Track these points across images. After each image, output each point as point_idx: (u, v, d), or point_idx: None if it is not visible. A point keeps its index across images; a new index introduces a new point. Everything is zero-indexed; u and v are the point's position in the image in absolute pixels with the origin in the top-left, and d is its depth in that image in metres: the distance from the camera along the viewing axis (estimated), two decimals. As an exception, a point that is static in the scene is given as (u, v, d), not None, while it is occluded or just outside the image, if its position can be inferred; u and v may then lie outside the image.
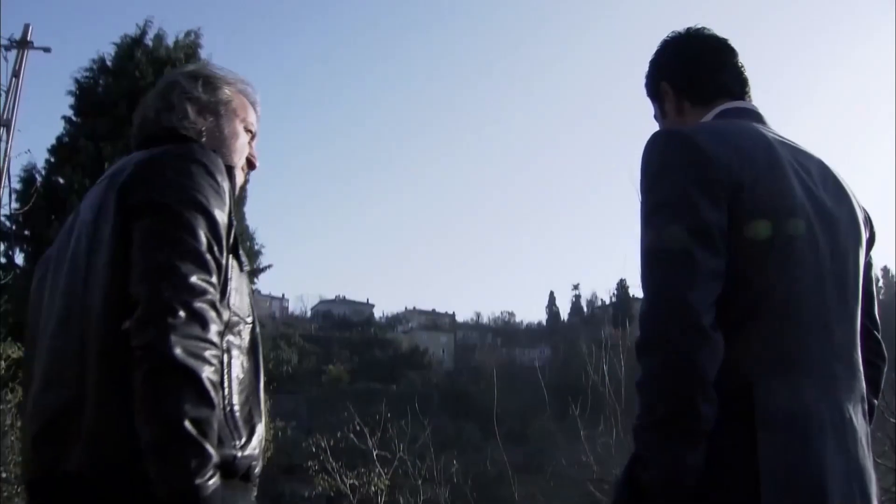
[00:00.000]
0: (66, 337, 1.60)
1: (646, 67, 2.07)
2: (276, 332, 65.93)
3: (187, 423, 1.38)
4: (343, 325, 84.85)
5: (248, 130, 1.97)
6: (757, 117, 1.88)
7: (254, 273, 16.04)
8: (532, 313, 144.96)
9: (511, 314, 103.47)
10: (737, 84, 1.94)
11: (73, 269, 1.65)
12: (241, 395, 1.62)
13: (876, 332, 1.86)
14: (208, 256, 1.53)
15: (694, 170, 1.61)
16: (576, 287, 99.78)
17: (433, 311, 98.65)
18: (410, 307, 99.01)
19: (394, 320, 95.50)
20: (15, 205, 12.89)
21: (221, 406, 1.51)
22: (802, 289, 1.64)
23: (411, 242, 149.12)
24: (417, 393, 59.76)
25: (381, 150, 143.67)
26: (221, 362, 1.53)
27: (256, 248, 15.78)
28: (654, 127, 2.04)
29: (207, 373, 1.43)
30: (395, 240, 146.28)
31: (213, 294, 1.51)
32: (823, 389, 1.62)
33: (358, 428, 16.34)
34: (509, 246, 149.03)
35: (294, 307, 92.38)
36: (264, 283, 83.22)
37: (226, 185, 1.65)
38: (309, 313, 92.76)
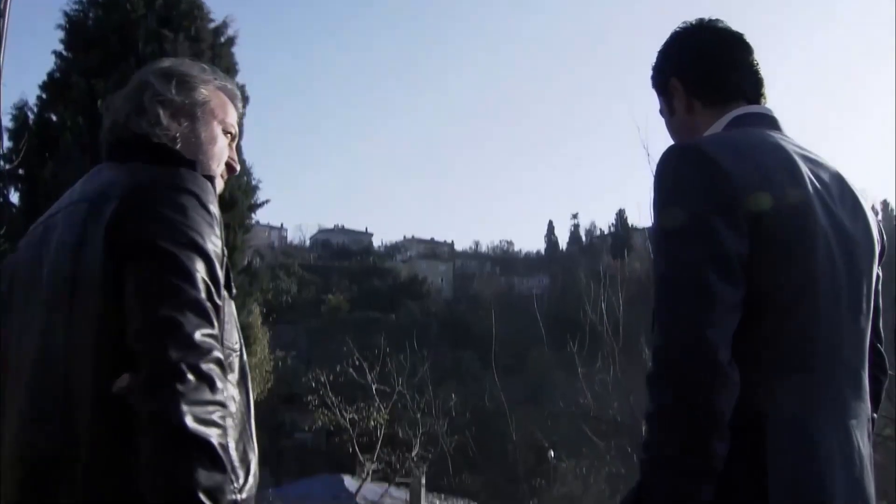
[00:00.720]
0: (49, 376, 1.52)
1: (653, 58, 1.95)
2: (276, 262, 66.08)
3: (201, 495, 1.34)
4: (342, 254, 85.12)
5: (226, 132, 1.82)
6: (773, 123, 1.77)
7: (251, 209, 15.96)
8: (531, 242, 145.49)
9: (510, 243, 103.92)
10: (752, 85, 1.82)
11: (52, 303, 1.54)
12: (235, 431, 1.57)
13: (880, 346, 1.81)
14: (208, 305, 1.45)
15: (713, 192, 1.52)
16: (574, 216, 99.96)
17: (432, 239, 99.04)
18: (409, 236, 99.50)
19: (392, 249, 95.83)
20: (7, 143, 12.72)
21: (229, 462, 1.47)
22: (820, 315, 1.58)
23: (410, 171, 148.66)
24: (416, 322, 60.33)
25: (380, 79, 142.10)
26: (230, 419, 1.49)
27: (254, 183, 15.65)
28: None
29: (219, 438, 1.38)
30: (394, 169, 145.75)
31: (218, 349, 1.45)
32: (834, 415, 1.59)
33: (357, 363, 16.50)
34: (508, 175, 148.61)
35: (293, 237, 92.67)
36: (262, 214, 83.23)
37: (217, 211, 1.55)
38: (308, 243, 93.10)
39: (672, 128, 1.92)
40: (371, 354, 16.84)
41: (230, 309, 1.63)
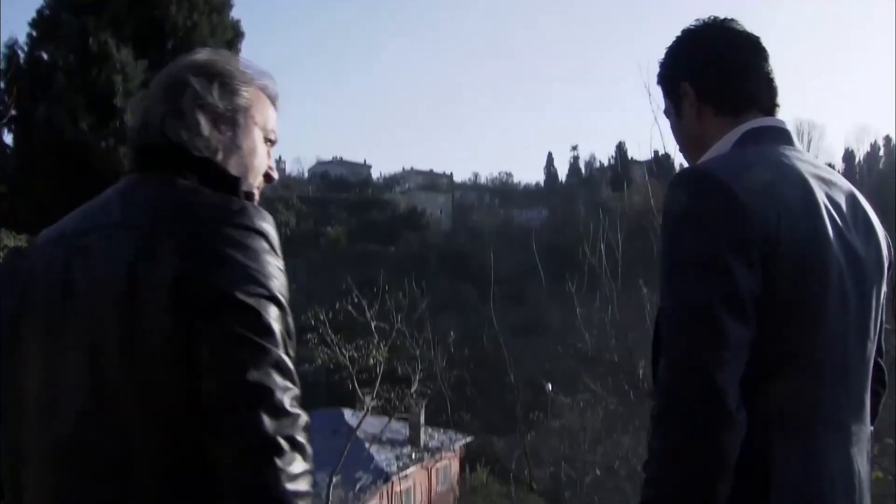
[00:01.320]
0: (101, 432, 1.38)
1: (662, 56, 1.85)
2: (274, 194, 65.94)
3: None
4: (340, 186, 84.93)
5: (267, 140, 1.65)
6: (787, 138, 1.69)
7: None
8: (530, 174, 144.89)
9: (509, 174, 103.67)
10: (767, 94, 1.73)
11: (98, 351, 1.37)
12: None
13: (881, 360, 1.78)
14: (288, 361, 1.34)
15: (730, 226, 1.46)
16: (574, 148, 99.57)
17: (431, 171, 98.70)
18: (408, 168, 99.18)
19: (391, 181, 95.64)
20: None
21: None
22: (828, 346, 1.55)
23: (409, 103, 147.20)
24: (415, 255, 60.63)
25: (379, 9, 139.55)
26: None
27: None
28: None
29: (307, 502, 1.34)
30: (393, 100, 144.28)
31: (304, 412, 1.36)
32: (836, 445, 1.57)
33: (356, 300, 16.55)
34: (508, 106, 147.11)
35: (291, 168, 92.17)
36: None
37: (278, 246, 1.41)
38: (306, 175, 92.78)
39: (679, 133, 1.83)
40: (370, 291, 16.84)
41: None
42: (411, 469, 24.54)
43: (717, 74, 1.74)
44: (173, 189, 1.44)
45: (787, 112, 2.04)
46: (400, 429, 24.47)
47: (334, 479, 17.48)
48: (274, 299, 1.33)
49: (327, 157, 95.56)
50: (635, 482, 13.79)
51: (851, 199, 1.67)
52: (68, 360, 1.40)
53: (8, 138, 13.65)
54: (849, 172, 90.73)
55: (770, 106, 1.74)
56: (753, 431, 1.44)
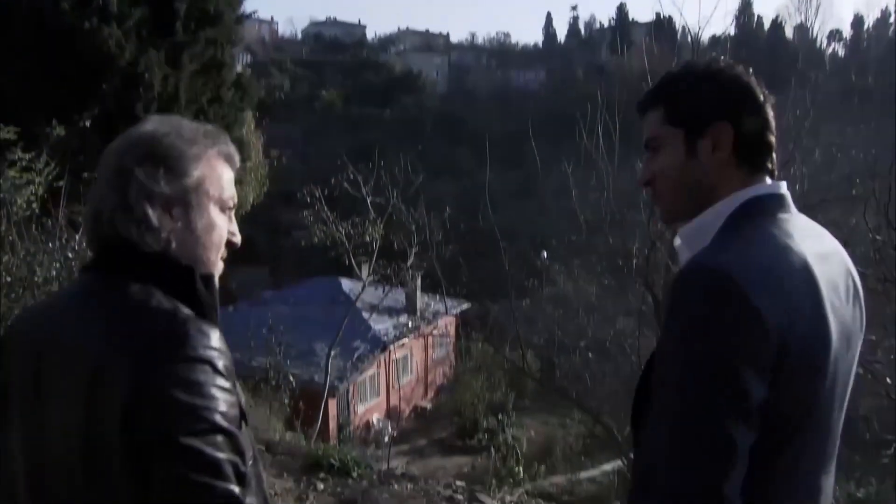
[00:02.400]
0: None
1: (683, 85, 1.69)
2: (267, 57, 64.69)
3: None
4: (335, 47, 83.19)
5: (224, 209, 1.61)
6: (786, 205, 1.62)
7: (238, 21, 15.31)
8: (528, 35, 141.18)
9: (506, 35, 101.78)
10: (771, 153, 1.66)
11: (59, 469, 1.43)
12: None
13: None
14: (235, 489, 1.37)
15: (744, 338, 1.39)
16: (574, 8, 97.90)
17: (427, 31, 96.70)
18: (403, 27, 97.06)
19: (386, 42, 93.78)
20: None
21: None
22: (819, 430, 1.55)
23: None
24: (411, 118, 60.11)
25: None
26: None
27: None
28: None
29: None
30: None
31: None
32: None
33: (352, 177, 16.47)
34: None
35: (284, 30, 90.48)
36: (251, 5, 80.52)
37: (228, 358, 1.43)
38: (300, 36, 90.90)
39: (678, 173, 1.67)
40: (365, 156, 16.77)
41: (246, 431, 1.53)
42: (408, 338, 25.10)
43: (758, 123, 1.63)
44: (124, 303, 1.45)
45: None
46: (398, 297, 24.86)
47: (333, 352, 17.90)
48: (219, 430, 1.35)
49: (321, 16, 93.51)
50: (627, 358, 14.18)
51: (843, 266, 1.63)
52: (45, 447, 1.45)
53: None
54: (856, 39, 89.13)
55: (773, 168, 1.67)
56: None
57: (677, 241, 1.72)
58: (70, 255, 7.13)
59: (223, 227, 1.61)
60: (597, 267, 16.63)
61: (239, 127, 16.60)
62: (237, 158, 1.66)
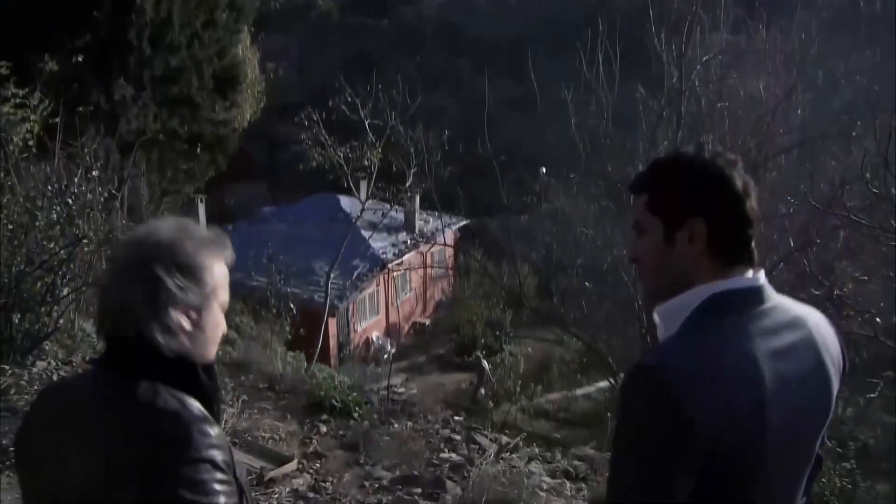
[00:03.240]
0: None
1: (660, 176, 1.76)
2: (261, -37, 62.89)
3: None
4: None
5: (224, 307, 1.77)
6: (762, 298, 1.68)
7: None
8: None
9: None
10: (749, 245, 1.72)
11: None
12: None
13: (820, 454, 1.85)
14: None
15: (676, 442, 1.51)
16: None
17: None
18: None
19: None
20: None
21: None
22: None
23: None
24: (409, 27, 58.85)
25: None
26: None
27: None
28: None
29: None
30: None
31: None
32: None
33: (349, 99, 16.23)
34: None
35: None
36: None
37: (226, 451, 1.59)
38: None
39: (657, 258, 1.76)
40: (364, 90, 16.49)
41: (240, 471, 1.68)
42: (407, 255, 25.21)
43: (733, 221, 1.69)
44: (133, 403, 1.57)
45: None
46: (396, 216, 24.89)
47: (332, 275, 18.01)
48: None
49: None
50: (623, 283, 14.29)
51: (811, 355, 1.70)
52: None
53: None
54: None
55: (753, 259, 1.73)
56: None
57: (656, 318, 1.78)
58: (70, 200, 7.14)
59: (223, 322, 1.76)
60: (594, 189, 16.59)
61: (234, 48, 16.40)
62: (230, 249, 1.78)
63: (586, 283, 16.42)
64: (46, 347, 7.61)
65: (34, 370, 7.12)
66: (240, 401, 6.59)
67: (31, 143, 9.06)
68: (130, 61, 13.19)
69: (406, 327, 26.59)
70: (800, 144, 12.25)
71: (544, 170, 23.23)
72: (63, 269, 7.40)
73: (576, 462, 7.04)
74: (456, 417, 7.93)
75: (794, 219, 10.46)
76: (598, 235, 16.93)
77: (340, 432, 6.68)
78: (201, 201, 23.59)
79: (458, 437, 7.00)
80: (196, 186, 19.37)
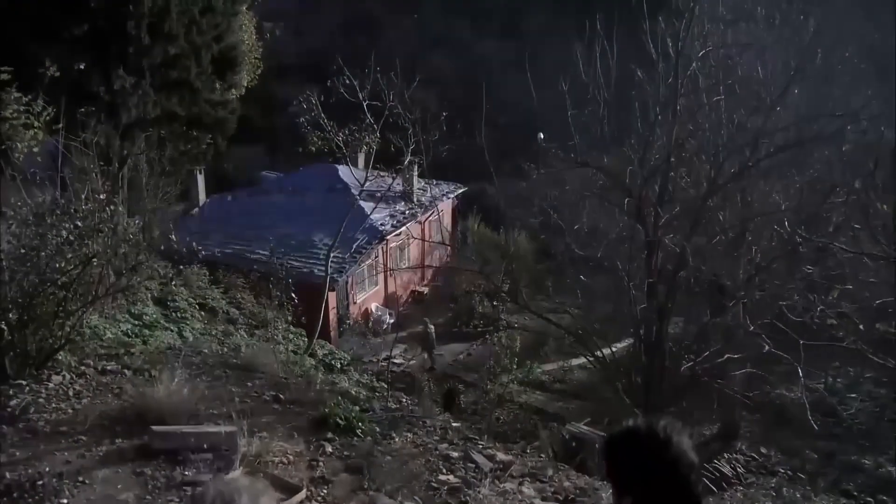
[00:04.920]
0: None
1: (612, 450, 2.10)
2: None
3: None
4: None
5: None
6: None
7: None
8: None
9: None
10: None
11: None
12: None
13: None
14: None
15: None
16: None
17: None
18: None
19: None
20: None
21: None
22: None
23: None
24: (408, -16, 57.92)
25: None
26: None
27: None
28: None
29: None
30: None
31: None
32: None
33: (347, 81, 16.22)
34: None
35: None
36: None
37: None
38: None
39: None
40: (361, 73, 16.46)
41: None
42: (406, 225, 25.31)
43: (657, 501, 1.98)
44: None
45: None
46: (395, 186, 24.98)
47: (332, 254, 18.19)
48: None
49: None
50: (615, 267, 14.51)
51: None
52: None
53: None
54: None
55: None
56: None
57: None
58: (79, 223, 7.32)
59: None
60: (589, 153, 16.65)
61: (232, 33, 16.37)
62: None
63: (581, 274, 16.56)
64: (60, 358, 7.85)
65: (50, 385, 7.37)
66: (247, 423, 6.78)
67: (35, 149, 9.20)
68: (129, 51, 13.24)
69: (405, 296, 26.78)
70: (795, 145, 12.17)
71: (541, 135, 23.18)
72: (74, 286, 7.64)
73: (566, 483, 7.32)
74: (454, 424, 8.20)
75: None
76: (596, 204, 17.04)
77: (346, 452, 6.91)
78: (200, 172, 23.68)
79: (455, 455, 7.27)
80: (196, 168, 19.43)
